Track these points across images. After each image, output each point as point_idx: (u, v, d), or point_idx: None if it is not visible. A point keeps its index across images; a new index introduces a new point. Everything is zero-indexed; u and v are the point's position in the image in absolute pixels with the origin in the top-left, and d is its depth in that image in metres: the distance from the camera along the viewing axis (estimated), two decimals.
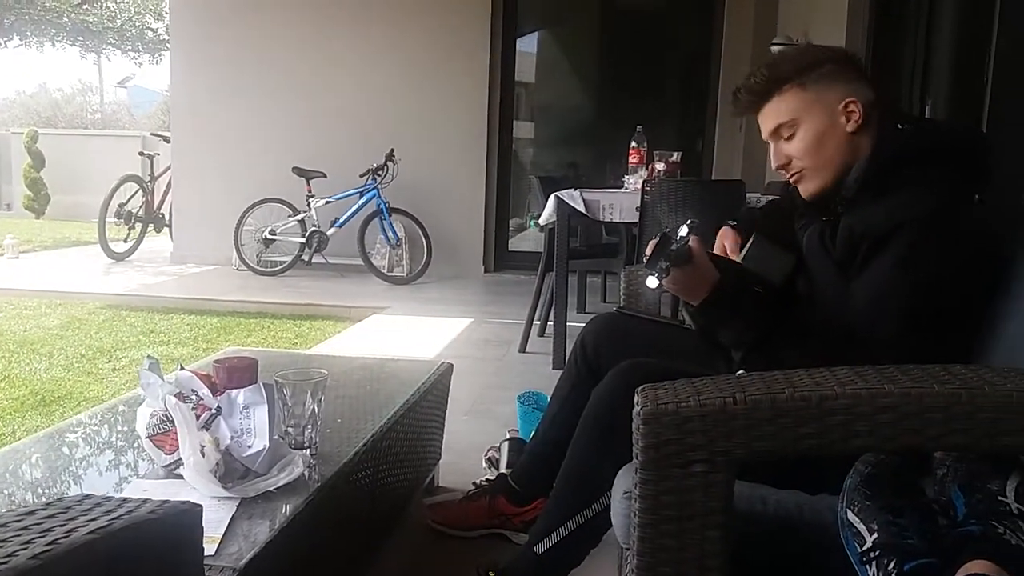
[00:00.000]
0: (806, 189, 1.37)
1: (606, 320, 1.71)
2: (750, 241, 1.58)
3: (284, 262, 5.97)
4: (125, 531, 0.73)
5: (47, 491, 1.37)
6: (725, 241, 1.62)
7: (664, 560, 0.88)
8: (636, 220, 3.23)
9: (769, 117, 1.37)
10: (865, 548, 0.85)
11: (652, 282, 1.23)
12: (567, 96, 7.19)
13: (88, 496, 0.87)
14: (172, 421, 1.36)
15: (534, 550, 1.40)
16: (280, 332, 4.27)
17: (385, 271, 5.92)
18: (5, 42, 8.40)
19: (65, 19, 8.68)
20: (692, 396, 0.85)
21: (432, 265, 5.93)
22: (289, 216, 6.00)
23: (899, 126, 1.31)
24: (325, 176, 5.95)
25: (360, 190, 5.90)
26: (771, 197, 3.37)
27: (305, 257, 5.95)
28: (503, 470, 1.94)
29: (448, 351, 3.77)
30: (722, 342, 1.39)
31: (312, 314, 4.73)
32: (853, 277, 1.29)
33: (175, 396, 1.37)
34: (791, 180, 1.41)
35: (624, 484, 1.06)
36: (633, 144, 3.77)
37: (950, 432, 0.81)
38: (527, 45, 6.85)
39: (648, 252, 1.27)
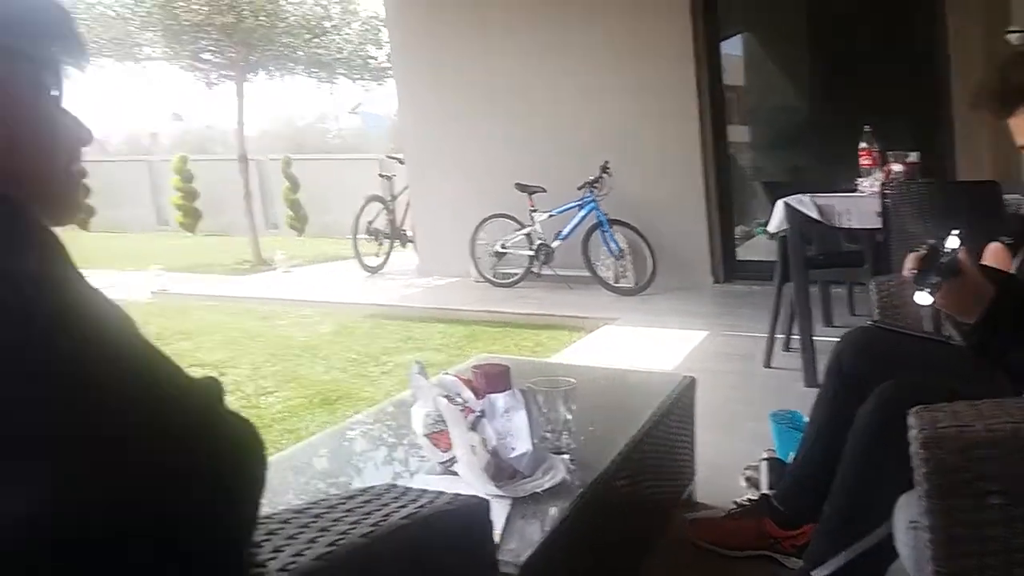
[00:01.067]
0: None
1: (863, 335, 1.64)
2: (1021, 252, 1.45)
3: (516, 274, 6.25)
4: (431, 519, 0.85)
5: (337, 481, 1.56)
6: (993, 261, 1.50)
7: None
8: (877, 226, 3.02)
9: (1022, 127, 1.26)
10: None
11: (923, 299, 1.18)
12: (780, 97, 6.86)
13: (393, 486, 1.01)
14: (444, 421, 1.51)
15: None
16: (520, 340, 4.49)
17: (611, 282, 5.99)
18: (252, 77, 9.53)
19: (300, 53, 9.70)
20: (976, 420, 0.82)
21: (658, 276, 5.90)
22: (516, 230, 6.27)
23: None
24: (545, 191, 6.12)
25: (579, 203, 6.00)
26: None
27: (534, 269, 6.18)
28: (764, 490, 1.90)
29: (687, 364, 3.73)
30: (1008, 362, 1.29)
31: (547, 324, 4.92)
32: None
33: (444, 397, 1.52)
34: None
35: (908, 512, 1.02)
36: (863, 145, 3.51)
37: None
38: (732, 48, 6.62)
39: (911, 266, 1.22)
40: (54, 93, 0.68)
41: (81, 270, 0.54)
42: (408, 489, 0.96)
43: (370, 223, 7.45)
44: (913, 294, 1.22)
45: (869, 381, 1.43)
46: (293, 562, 0.68)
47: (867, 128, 3.53)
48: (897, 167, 3.27)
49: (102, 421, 0.45)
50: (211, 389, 0.52)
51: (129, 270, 8.39)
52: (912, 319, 1.86)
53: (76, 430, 0.44)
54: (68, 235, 0.54)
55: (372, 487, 0.97)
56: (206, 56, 9.17)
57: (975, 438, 0.81)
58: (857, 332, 1.66)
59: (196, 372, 0.51)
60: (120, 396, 0.46)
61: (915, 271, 1.22)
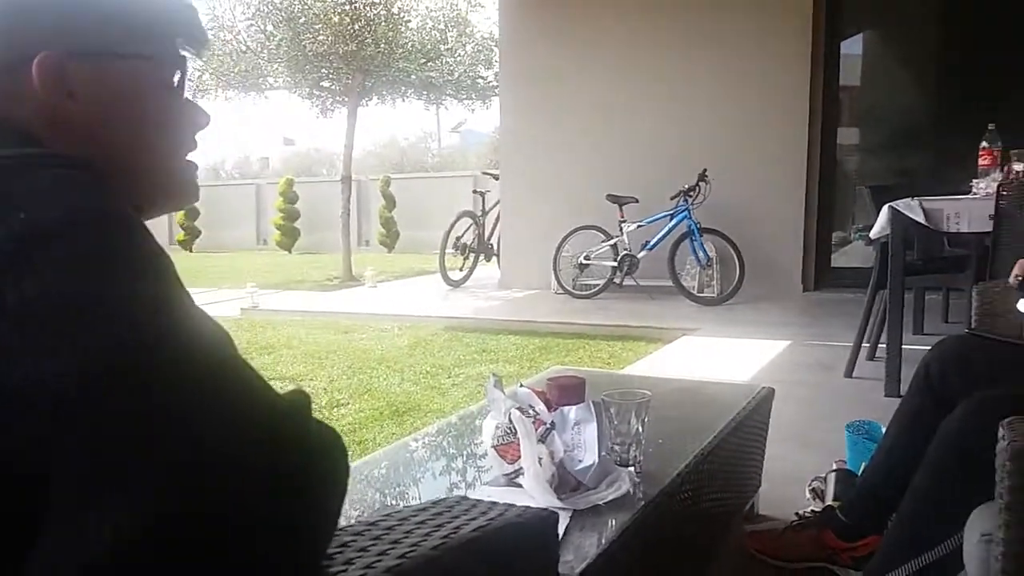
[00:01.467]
0: None
1: (955, 343, 1.54)
2: None
3: (597, 285, 6.21)
4: (501, 530, 0.83)
5: (404, 492, 1.57)
6: None
7: None
8: (988, 230, 2.85)
9: None
10: None
11: None
12: (898, 98, 6.58)
13: (464, 498, 1.00)
14: (514, 433, 1.49)
15: None
16: (595, 352, 4.44)
17: (695, 292, 5.89)
18: (366, 102, 9.81)
19: (413, 77, 9.92)
20: None
21: (745, 285, 5.76)
22: (602, 241, 6.24)
23: None
24: (637, 201, 6.10)
25: (671, 212, 5.95)
26: None
27: (617, 280, 6.14)
28: (829, 502, 1.83)
29: (764, 374, 3.63)
30: None
31: (624, 335, 4.86)
32: None
33: (517, 410, 1.51)
34: None
35: (982, 525, 0.95)
36: (984, 144, 3.34)
37: None
38: (850, 47, 6.42)
39: (1020, 273, 1.14)
40: (176, 83, 0.71)
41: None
42: (479, 501, 0.95)
43: (459, 238, 7.57)
44: (1018, 300, 1.14)
45: (958, 392, 1.34)
46: (364, 574, 0.68)
47: (991, 126, 3.36)
48: (1019, 166, 3.09)
49: (195, 439, 0.46)
50: (299, 403, 0.53)
51: (224, 287, 8.76)
52: (1012, 328, 1.74)
53: (173, 447, 0.46)
54: (170, 256, 0.56)
55: (443, 499, 0.96)
56: (324, 84, 9.54)
57: None
58: (950, 340, 1.56)
59: (275, 386, 0.52)
60: (215, 417, 0.47)
61: (1020, 277, 1.14)
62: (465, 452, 1.70)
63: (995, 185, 2.89)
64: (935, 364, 1.50)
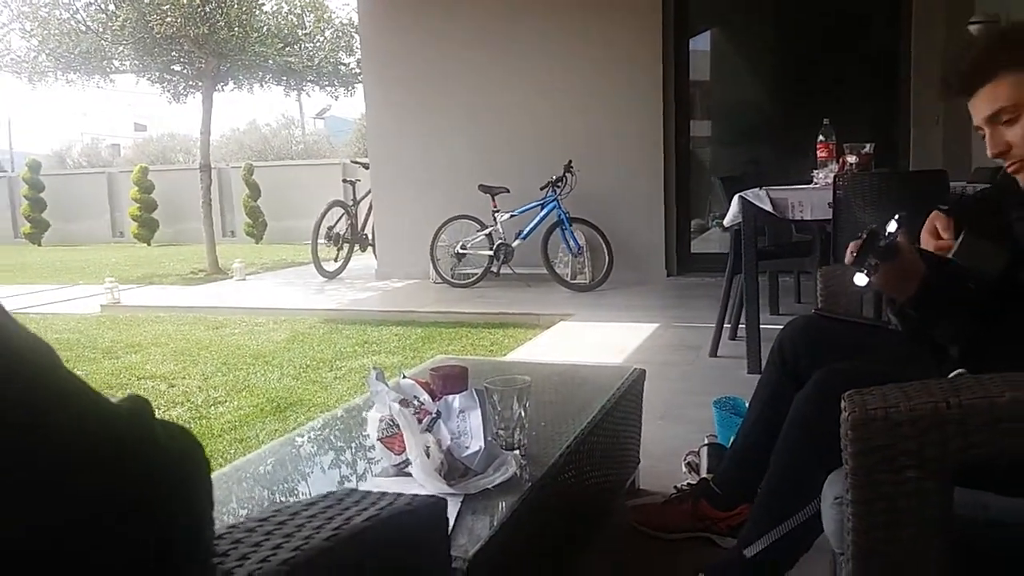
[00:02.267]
0: None
1: (804, 322, 1.69)
2: (960, 237, 1.51)
3: (475, 274, 6.28)
4: (391, 519, 0.86)
5: (293, 488, 1.56)
6: (937, 223, 1.55)
7: (880, 566, 0.89)
8: (829, 217, 3.11)
9: (985, 102, 1.29)
10: None
11: (860, 279, 1.22)
12: (745, 92, 7.00)
13: (354, 490, 1.02)
14: (398, 425, 1.53)
15: (744, 554, 1.42)
16: (477, 340, 4.50)
17: (568, 279, 6.06)
18: (221, 87, 9.41)
19: (271, 62, 9.58)
20: (902, 401, 0.86)
21: (614, 271, 5.99)
22: (478, 231, 6.30)
23: None
24: (508, 191, 6.20)
25: (541, 202, 6.09)
26: (981, 185, 3.12)
27: (494, 269, 6.22)
28: (704, 475, 1.96)
29: (637, 356, 3.81)
30: (937, 340, 1.34)
31: (504, 322, 4.95)
32: None
33: (399, 403, 1.53)
34: (1009, 169, 1.33)
35: (835, 490, 1.07)
36: (821, 138, 3.64)
37: None
38: (700, 44, 6.76)
39: (853, 250, 1.26)
40: None
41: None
42: (368, 492, 0.97)
43: (331, 228, 7.42)
44: (852, 276, 1.26)
45: (808, 367, 1.48)
46: (259, 567, 0.69)
47: (825, 121, 3.65)
48: (852, 158, 3.37)
49: (23, 461, 0.43)
50: (138, 409, 0.51)
51: (80, 283, 8.21)
52: (853, 307, 1.93)
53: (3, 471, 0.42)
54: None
55: (333, 492, 0.97)
56: (176, 68, 9.03)
57: (899, 419, 0.85)
58: (799, 320, 1.71)
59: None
60: (40, 435, 0.44)
61: (854, 254, 1.26)
62: (353, 445, 1.71)
63: (833, 176, 3.16)
64: (787, 343, 1.64)
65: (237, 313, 5.77)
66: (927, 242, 1.50)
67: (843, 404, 0.89)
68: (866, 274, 1.21)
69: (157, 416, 0.52)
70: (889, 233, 1.23)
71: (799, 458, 1.36)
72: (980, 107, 1.31)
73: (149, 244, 13.83)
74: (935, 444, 0.83)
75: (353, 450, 1.70)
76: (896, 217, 1.26)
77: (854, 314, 1.81)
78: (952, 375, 1.27)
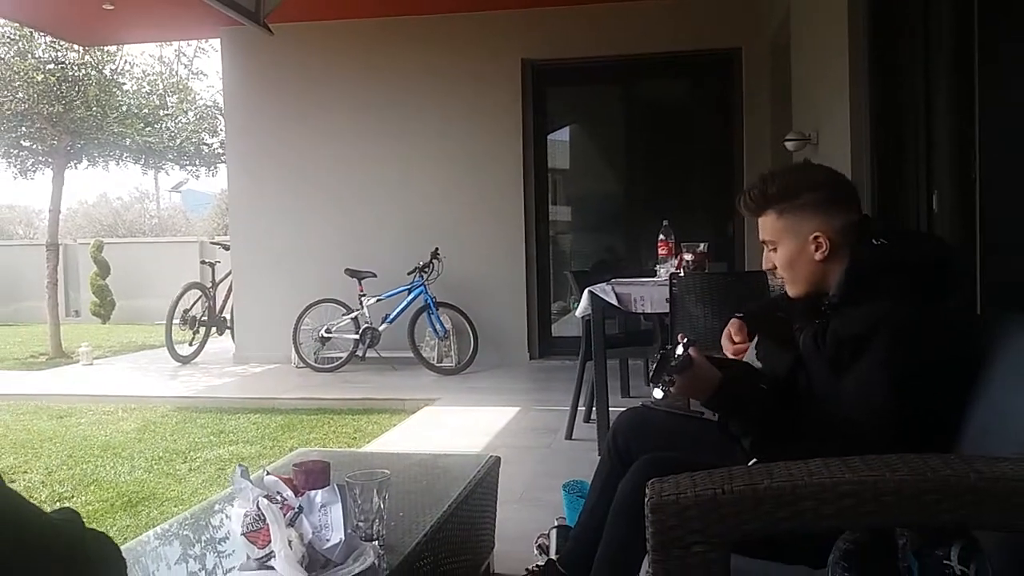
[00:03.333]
0: (791, 291, 1.59)
1: (635, 415, 1.91)
2: (754, 340, 1.79)
3: (340, 358, 6.28)
4: None
5: None
6: (732, 329, 1.83)
7: None
8: (666, 311, 3.43)
9: (760, 228, 1.60)
10: None
11: (658, 393, 1.45)
12: (600, 183, 7.49)
13: None
14: (263, 519, 1.59)
15: None
16: (339, 427, 4.51)
17: (435, 362, 6.19)
18: (75, 164, 9.10)
19: (129, 141, 9.37)
20: (690, 488, 1.05)
21: (479, 354, 6.18)
22: (343, 315, 6.35)
23: (875, 241, 1.52)
24: (375, 276, 6.32)
25: (408, 287, 6.24)
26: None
27: (359, 352, 6.26)
28: (552, 556, 2.11)
29: (497, 440, 3.96)
30: (732, 432, 1.58)
31: (368, 408, 4.98)
32: (842, 375, 1.48)
33: (265, 498, 1.61)
34: (781, 282, 1.63)
35: (646, 570, 1.24)
36: (661, 237, 4.02)
37: (902, 512, 1.00)
38: (561, 135, 7.27)
39: (652, 368, 1.49)
40: None
41: None
42: None
43: (186, 311, 7.21)
44: (653, 391, 1.49)
45: (637, 455, 1.68)
46: None
47: (665, 222, 4.03)
48: (688, 256, 3.70)
49: None
50: (70, 519, 0.60)
51: None
52: (682, 399, 2.18)
53: None
54: None
55: None
56: (25, 143, 8.63)
57: (686, 503, 1.04)
58: (629, 412, 1.93)
59: None
60: None
61: (651, 372, 1.49)
62: (212, 540, 1.74)
63: (669, 274, 3.50)
64: (619, 433, 1.85)
65: (84, 401, 5.48)
66: (726, 346, 1.77)
67: (646, 490, 1.08)
68: (662, 388, 1.44)
69: (86, 526, 0.63)
70: (679, 355, 1.47)
71: (619, 539, 1.54)
72: (760, 230, 1.61)
73: None
74: (715, 523, 1.03)
75: (212, 545, 1.74)
76: (683, 340, 1.50)
77: (680, 407, 2.05)
78: (750, 463, 1.51)
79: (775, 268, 1.58)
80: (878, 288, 1.45)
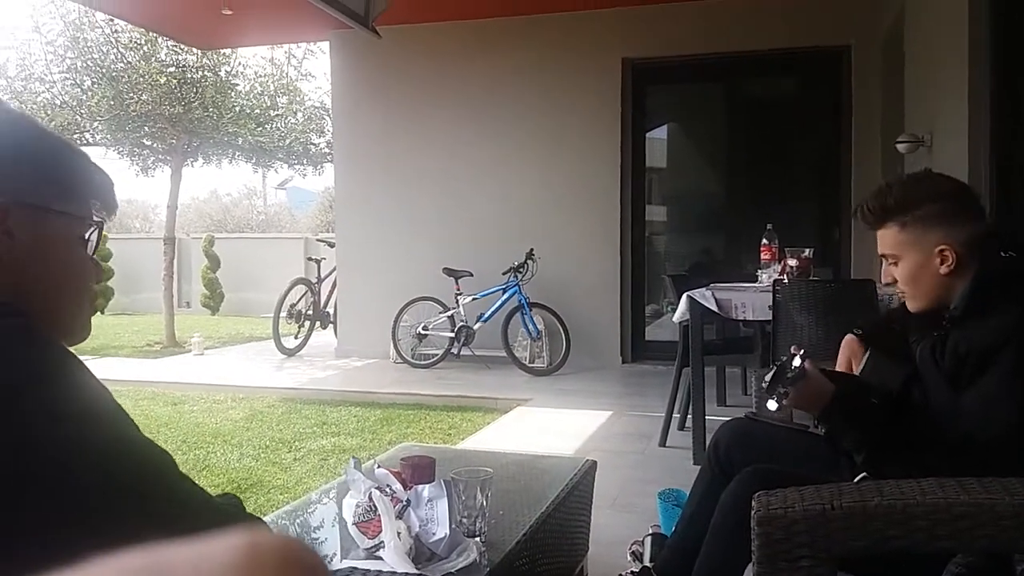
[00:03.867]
0: (911, 306, 1.54)
1: (738, 425, 1.89)
2: (867, 354, 1.75)
3: (436, 355, 6.43)
4: None
5: None
6: (848, 350, 1.79)
7: None
8: (769, 318, 3.37)
9: (879, 241, 1.56)
10: None
11: (772, 405, 1.45)
12: (699, 183, 7.36)
13: (354, 568, 1.19)
14: (375, 510, 1.67)
15: None
16: (436, 423, 4.62)
17: (527, 363, 6.25)
18: (192, 163, 9.62)
19: (242, 141, 9.83)
20: (798, 503, 1.05)
21: (571, 356, 6.20)
22: (440, 312, 6.49)
23: (1003, 253, 1.46)
24: (472, 275, 6.43)
25: (503, 287, 6.32)
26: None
27: (454, 350, 6.39)
28: (647, 563, 2.11)
29: (590, 444, 3.97)
30: (845, 447, 1.55)
31: (463, 405, 5.08)
32: (962, 390, 1.43)
33: (377, 489, 1.68)
34: (899, 296, 1.58)
35: None
36: (764, 241, 3.93)
37: (1021, 537, 0.97)
38: (659, 133, 7.20)
39: (767, 380, 1.48)
40: (84, 238, 0.87)
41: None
42: (368, 570, 1.13)
43: (293, 305, 7.52)
44: (766, 402, 1.48)
45: (739, 466, 1.68)
46: None
47: (768, 226, 3.93)
48: (792, 262, 3.59)
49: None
50: (233, 503, 0.67)
51: None
52: (785, 410, 2.15)
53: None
54: None
55: (338, 569, 1.13)
56: (147, 142, 9.22)
57: (794, 517, 1.04)
58: (733, 423, 1.92)
59: None
60: (161, 524, 0.60)
61: (767, 383, 1.49)
62: (324, 527, 1.83)
63: (772, 281, 3.43)
64: (721, 443, 1.84)
65: (196, 389, 5.80)
66: (841, 363, 1.74)
67: (753, 503, 1.09)
68: (776, 400, 1.44)
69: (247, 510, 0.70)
70: (794, 366, 1.46)
71: (721, 550, 1.55)
72: (878, 243, 1.57)
73: (103, 313, 13.68)
74: (823, 538, 1.03)
75: (325, 533, 1.83)
76: (800, 352, 1.49)
77: (784, 419, 2.02)
78: (857, 479, 1.49)
79: (895, 282, 1.54)
80: (1007, 301, 1.40)
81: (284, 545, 0.24)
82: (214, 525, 0.66)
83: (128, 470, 0.64)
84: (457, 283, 6.46)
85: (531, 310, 6.25)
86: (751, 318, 3.48)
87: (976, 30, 3.20)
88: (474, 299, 6.41)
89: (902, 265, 1.50)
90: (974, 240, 1.45)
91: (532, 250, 6.27)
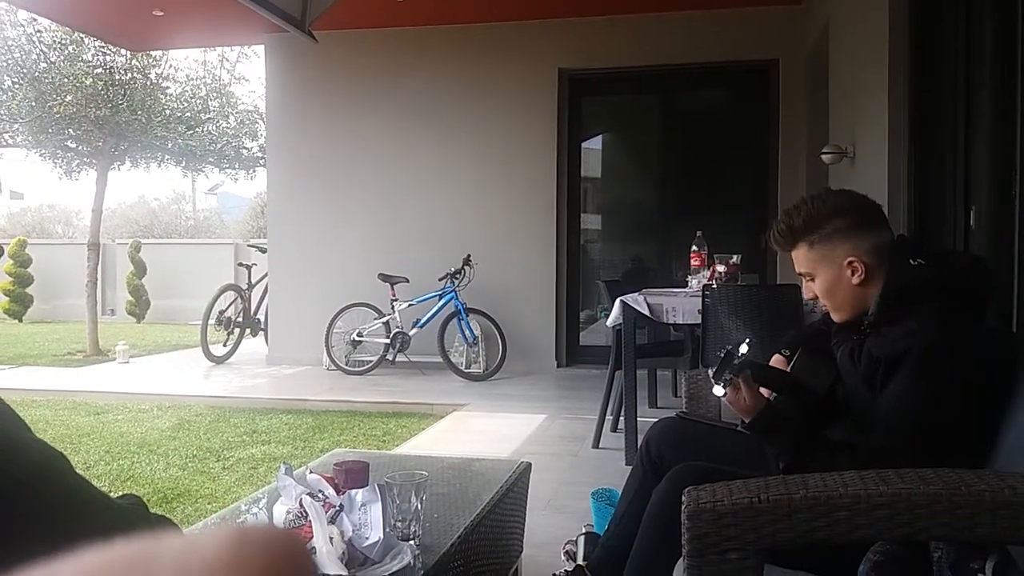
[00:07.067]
0: (835, 317, 1.61)
1: (668, 424, 1.93)
2: (796, 354, 1.80)
3: (370, 361, 6.36)
4: None
5: None
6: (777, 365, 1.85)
7: None
8: (699, 322, 3.45)
9: (795, 261, 1.63)
10: None
11: (718, 391, 1.49)
12: (632, 192, 7.48)
13: None
14: (305, 516, 1.64)
15: None
16: (369, 429, 4.57)
17: (463, 368, 6.23)
18: (118, 166, 9.31)
19: (172, 144, 9.56)
20: (726, 496, 1.08)
21: (507, 361, 6.21)
22: (375, 319, 6.42)
23: (912, 261, 1.53)
24: (407, 281, 6.39)
25: (439, 293, 6.30)
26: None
27: (389, 356, 6.33)
28: (580, 562, 2.13)
29: (525, 447, 3.99)
30: (768, 454, 1.60)
31: (398, 411, 5.03)
32: (876, 393, 1.49)
33: (308, 495, 1.66)
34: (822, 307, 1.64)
35: (679, 572, 1.27)
36: (694, 248, 4.02)
37: (935, 525, 1.02)
38: (594, 143, 7.30)
39: (714, 368, 1.52)
40: None
41: None
42: None
43: (222, 312, 7.33)
44: (712, 388, 1.51)
45: (670, 464, 1.71)
46: None
47: (698, 233, 4.02)
48: (721, 268, 3.70)
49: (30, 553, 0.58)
50: (135, 503, 0.65)
51: None
52: (713, 411, 2.20)
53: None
54: None
55: None
56: (71, 145, 8.87)
57: (723, 510, 1.07)
58: (664, 422, 1.96)
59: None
60: (60, 541, 0.59)
61: (714, 369, 1.52)
62: None
63: (701, 286, 3.51)
64: (653, 441, 1.87)
65: (120, 398, 5.60)
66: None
67: (683, 498, 1.11)
68: (722, 386, 1.47)
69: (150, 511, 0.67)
70: (742, 354, 1.50)
71: (652, 546, 1.57)
72: (794, 263, 1.63)
73: (20, 320, 13.09)
74: (750, 531, 1.05)
75: None
76: (747, 341, 1.53)
77: (713, 418, 2.07)
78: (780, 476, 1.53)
79: (815, 298, 1.60)
80: (914, 308, 1.47)
81: (272, 537, 0.24)
82: (116, 523, 0.64)
83: (23, 467, 0.62)
84: (393, 289, 6.41)
85: (468, 316, 6.25)
86: (681, 322, 3.56)
87: (895, 42, 3.35)
88: (410, 305, 6.37)
89: (818, 281, 1.56)
90: (880, 250, 1.52)
91: (469, 256, 6.27)
